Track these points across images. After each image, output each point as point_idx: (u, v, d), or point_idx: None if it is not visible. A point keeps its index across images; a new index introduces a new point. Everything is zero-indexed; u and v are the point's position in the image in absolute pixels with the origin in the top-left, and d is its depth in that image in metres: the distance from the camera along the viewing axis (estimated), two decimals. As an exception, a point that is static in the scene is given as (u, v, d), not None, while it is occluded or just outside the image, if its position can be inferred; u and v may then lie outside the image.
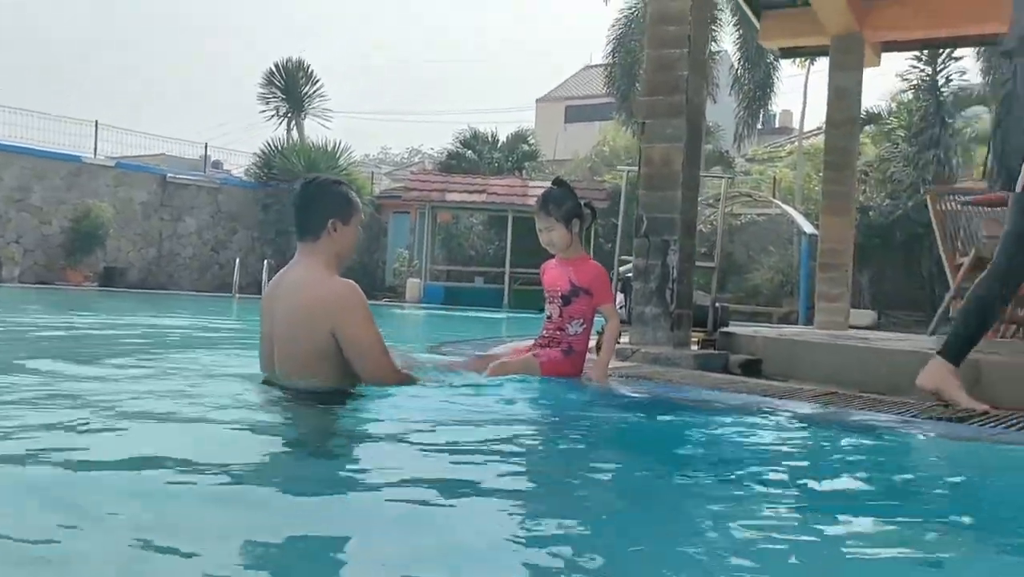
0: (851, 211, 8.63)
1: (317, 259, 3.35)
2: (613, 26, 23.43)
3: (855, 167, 8.75)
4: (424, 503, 1.85)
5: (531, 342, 4.15)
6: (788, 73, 29.18)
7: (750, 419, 3.22)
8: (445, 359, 4.15)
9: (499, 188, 22.01)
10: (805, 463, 2.66)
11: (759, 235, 21.89)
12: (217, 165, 29.97)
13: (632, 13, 22.32)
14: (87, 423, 2.52)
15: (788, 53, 10.07)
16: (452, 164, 27.04)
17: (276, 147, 23.01)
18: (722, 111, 25.70)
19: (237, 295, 19.02)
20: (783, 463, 2.58)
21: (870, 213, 18.93)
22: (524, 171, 25.79)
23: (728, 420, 3.25)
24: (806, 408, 3.42)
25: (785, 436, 2.98)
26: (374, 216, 25.31)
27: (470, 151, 27.31)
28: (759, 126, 32.80)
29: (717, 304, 6.00)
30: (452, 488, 2.00)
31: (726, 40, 23.74)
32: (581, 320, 4.00)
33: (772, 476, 2.36)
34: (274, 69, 23.80)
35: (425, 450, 2.49)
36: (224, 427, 2.65)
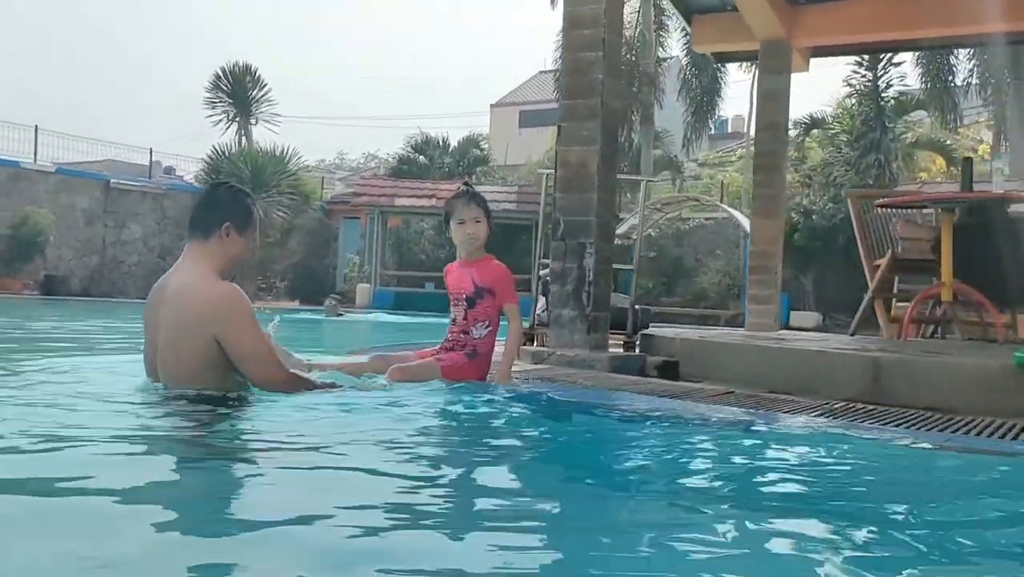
0: (780, 213, 8.75)
1: (202, 261, 3.30)
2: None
3: (784, 170, 8.87)
4: (301, 518, 1.79)
5: (437, 347, 4.13)
6: (736, 78, 29.52)
7: (641, 421, 3.24)
8: (345, 360, 4.11)
9: (448, 193, 21.89)
10: (693, 462, 2.67)
11: (707, 239, 22.10)
12: (169, 171, 29.58)
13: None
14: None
15: (722, 58, 10.19)
16: (403, 169, 26.99)
17: (223, 152, 22.77)
18: (671, 116, 25.97)
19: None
20: (666, 465, 2.59)
21: (813, 216, 19.21)
22: (474, 176, 25.78)
23: (619, 421, 3.27)
24: (700, 408, 3.44)
25: (675, 437, 3.00)
26: (324, 221, 25.15)
27: (422, 156, 27.30)
28: (711, 131, 33.26)
29: (637, 306, 6.03)
30: (322, 500, 1.94)
31: (674, 46, 23.99)
32: (486, 322, 4.00)
33: (655, 478, 2.37)
34: (220, 73, 23.57)
35: (304, 460, 2.42)
36: (92, 434, 2.58)
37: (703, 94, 23.34)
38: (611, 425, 3.18)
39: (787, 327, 17.98)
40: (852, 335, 6.90)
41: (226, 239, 3.33)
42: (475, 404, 3.48)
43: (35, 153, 20.50)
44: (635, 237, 21.53)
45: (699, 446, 2.80)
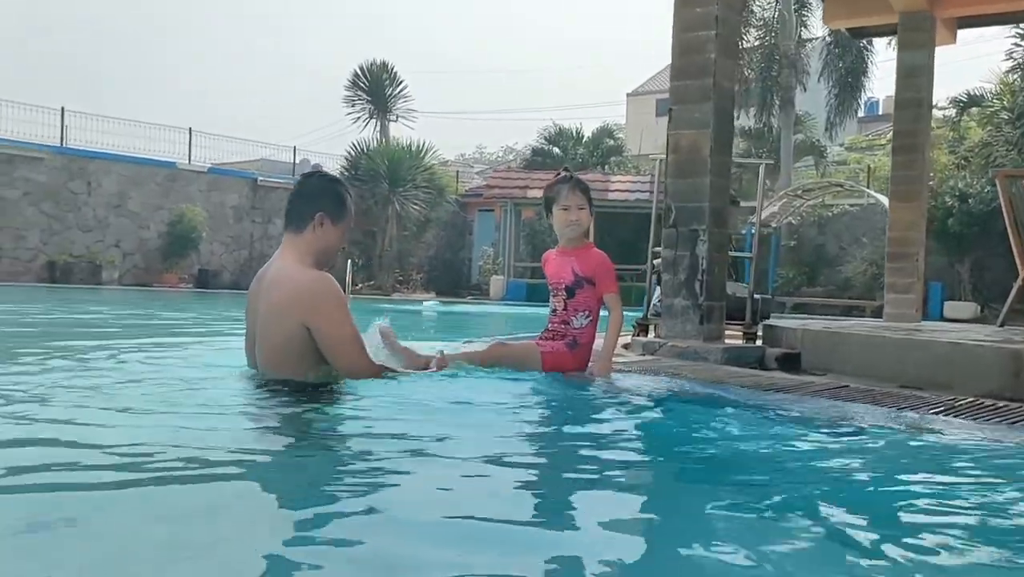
0: (922, 197, 8.20)
1: (296, 252, 3.34)
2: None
3: (926, 151, 8.30)
4: (406, 502, 1.79)
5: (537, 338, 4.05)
6: (885, 57, 27.99)
7: (742, 415, 3.05)
8: (455, 349, 4.06)
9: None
10: (795, 463, 2.49)
11: (852, 226, 21.08)
12: (317, 168, 30.71)
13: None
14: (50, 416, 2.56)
15: (858, 33, 9.64)
16: (537, 161, 27.02)
17: (362, 148, 23.40)
18: (814, 99, 24.91)
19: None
20: (768, 463, 2.42)
21: (969, 200, 17.96)
22: (607, 166, 25.54)
23: (719, 415, 3.09)
24: (806, 405, 3.22)
25: (773, 433, 2.80)
26: (459, 215, 25.50)
27: (555, 147, 27.25)
28: (859, 114, 31.71)
29: (757, 296, 5.75)
30: (416, 487, 1.92)
31: (817, 25, 22.95)
32: (587, 312, 3.89)
33: (757, 477, 2.22)
34: (359, 72, 24.22)
35: (405, 449, 2.39)
36: (199, 420, 2.63)
37: (847, 74, 22.22)
38: (705, 420, 3.00)
39: (942, 318, 17.01)
40: (1001, 326, 6.38)
41: (320, 229, 3.34)
42: (569, 396, 3.39)
43: (189, 154, 21.67)
44: (773, 225, 20.92)
45: (772, 443, 2.59)
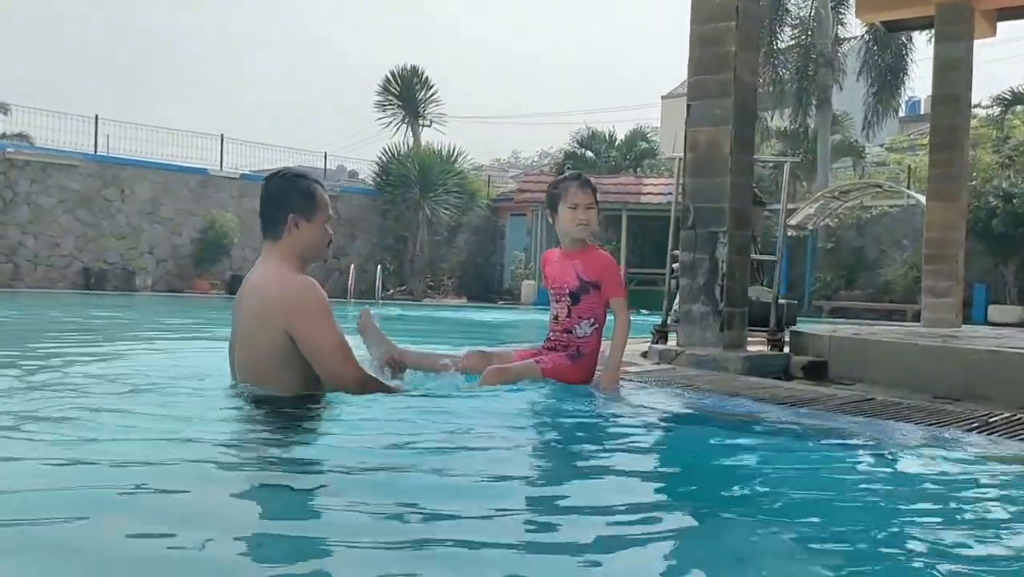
0: (961, 196, 7.84)
1: (277, 258, 3.16)
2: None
3: (965, 148, 7.94)
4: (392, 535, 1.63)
5: (539, 347, 3.82)
6: (926, 55, 27.34)
7: (749, 432, 2.80)
8: (440, 355, 3.82)
9: (611, 187, 21.54)
10: (792, 487, 2.24)
11: (891, 228, 20.56)
12: (353, 175, 30.73)
13: (750, 0, 21.33)
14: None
15: (892, 26, 9.29)
16: (569, 164, 26.74)
17: (393, 153, 23.33)
18: (851, 98, 24.39)
19: (352, 300, 19.35)
20: (762, 485, 2.18)
21: (1014, 200, 17.39)
22: (641, 169, 25.22)
23: (734, 435, 2.83)
24: (822, 420, 2.96)
25: (777, 453, 2.55)
26: (491, 219, 25.31)
27: (588, 151, 26.98)
28: (900, 113, 31.02)
29: (782, 301, 5.47)
30: (406, 523, 1.74)
31: (854, 23, 22.45)
32: (592, 320, 3.65)
33: (742, 500, 1.98)
34: (390, 77, 24.14)
35: (385, 473, 2.21)
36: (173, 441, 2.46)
37: (886, 72, 21.69)
38: (714, 438, 2.75)
39: (986, 322, 16.46)
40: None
41: (296, 232, 3.16)
42: (569, 411, 3.15)
43: (221, 160, 21.75)
44: (809, 227, 20.46)
45: (774, 464, 2.34)
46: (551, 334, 3.74)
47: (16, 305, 12.49)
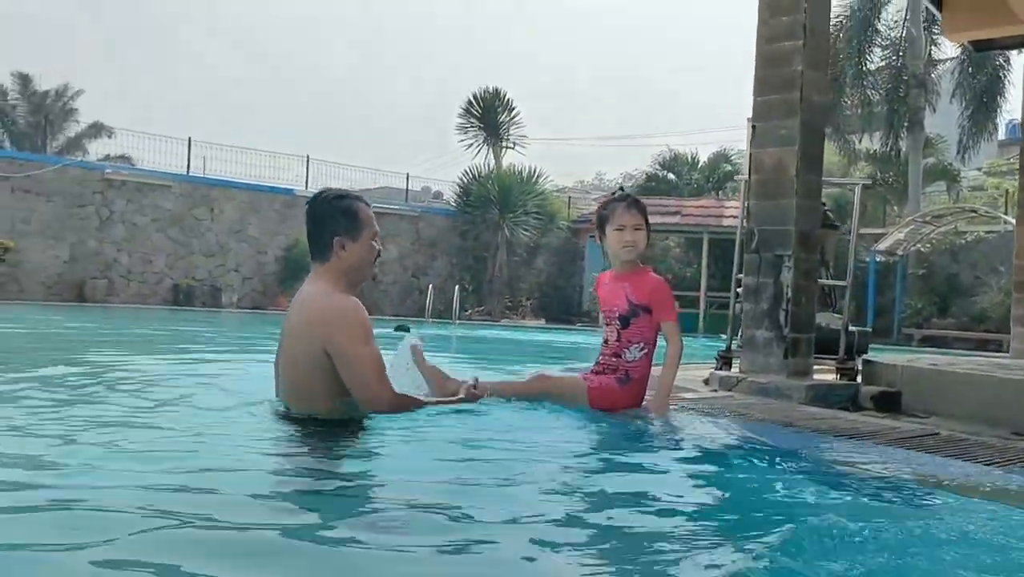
0: (1054, 221, 7.45)
1: (326, 278, 3.18)
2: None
3: (1058, 171, 7.55)
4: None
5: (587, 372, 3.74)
6: (1026, 75, 26.29)
7: (796, 467, 2.67)
8: (490, 381, 3.76)
9: (694, 209, 21.29)
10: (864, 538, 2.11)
11: (988, 254, 19.71)
12: (438, 196, 31.13)
13: (839, 21, 20.92)
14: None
15: (982, 46, 8.93)
16: (651, 187, 26.54)
17: (474, 175, 23.51)
18: (945, 121, 23.58)
19: (429, 320, 19.51)
20: (792, 522, 2.06)
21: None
22: (723, 191, 24.84)
23: (770, 467, 2.70)
24: (874, 456, 2.80)
25: (840, 497, 2.41)
26: (571, 241, 25.22)
27: (670, 173, 26.73)
28: (999, 136, 29.85)
29: (854, 328, 5.27)
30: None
31: (948, 44, 21.72)
32: (641, 344, 3.57)
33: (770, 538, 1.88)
34: (472, 99, 24.38)
35: (418, 502, 2.14)
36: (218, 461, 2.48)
37: (982, 94, 20.88)
38: (749, 471, 2.63)
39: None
40: None
41: (343, 253, 3.18)
42: (611, 439, 3.07)
43: (307, 181, 22.23)
44: (899, 252, 19.79)
45: (810, 500, 2.21)
46: (600, 358, 3.67)
47: (107, 318, 12.98)
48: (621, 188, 3.88)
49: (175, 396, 3.67)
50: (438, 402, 3.22)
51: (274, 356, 3.28)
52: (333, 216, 3.19)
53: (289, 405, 3.10)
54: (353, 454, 2.71)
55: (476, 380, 3.37)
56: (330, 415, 3.02)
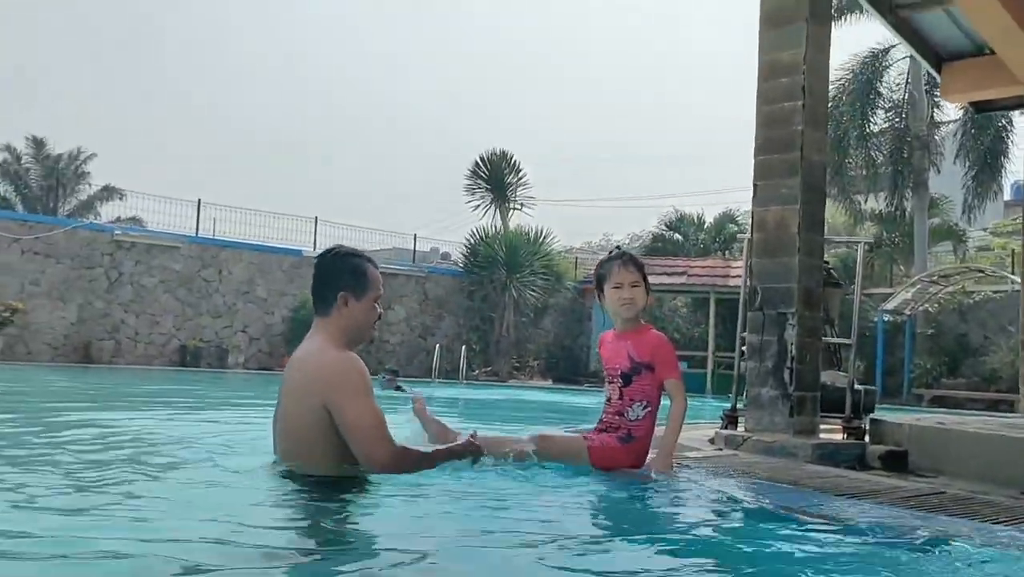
0: (1059, 280, 7.43)
1: (326, 334, 3.18)
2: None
3: (1062, 230, 7.54)
4: None
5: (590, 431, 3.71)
6: (1029, 136, 26.50)
7: (801, 528, 2.62)
8: (490, 435, 3.72)
9: (700, 269, 21.33)
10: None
11: (997, 313, 19.66)
12: (446, 256, 31.29)
13: (842, 84, 21.22)
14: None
15: (981, 107, 9.03)
16: (658, 247, 26.66)
17: (481, 235, 23.66)
18: (950, 182, 23.72)
19: (436, 380, 19.46)
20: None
21: None
22: (729, 251, 24.91)
23: (784, 531, 2.65)
24: (877, 515, 2.75)
25: (843, 557, 2.37)
26: (577, 301, 25.26)
27: (676, 233, 26.88)
28: (1005, 196, 29.99)
29: (860, 386, 5.24)
30: None
31: (950, 106, 21.97)
32: (644, 402, 3.54)
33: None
34: (479, 161, 24.67)
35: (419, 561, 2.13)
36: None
37: (986, 155, 21.05)
38: (766, 533, 2.59)
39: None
40: None
41: (345, 309, 3.18)
42: (609, 499, 3.03)
43: (315, 242, 22.38)
44: (907, 312, 19.73)
45: (810, 561, 2.17)
46: (603, 416, 3.64)
47: (110, 380, 12.98)
48: (618, 247, 3.90)
49: (169, 457, 3.65)
50: (438, 451, 3.18)
51: (272, 415, 3.26)
52: (340, 272, 3.21)
53: (288, 464, 3.07)
54: (349, 515, 2.67)
55: (475, 433, 3.35)
56: (328, 472, 2.99)
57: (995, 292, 19.77)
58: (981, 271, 19.86)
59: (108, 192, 30.70)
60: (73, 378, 12.50)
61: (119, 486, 2.86)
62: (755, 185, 4.95)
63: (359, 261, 3.28)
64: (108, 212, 29.69)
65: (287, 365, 3.28)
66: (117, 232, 19.40)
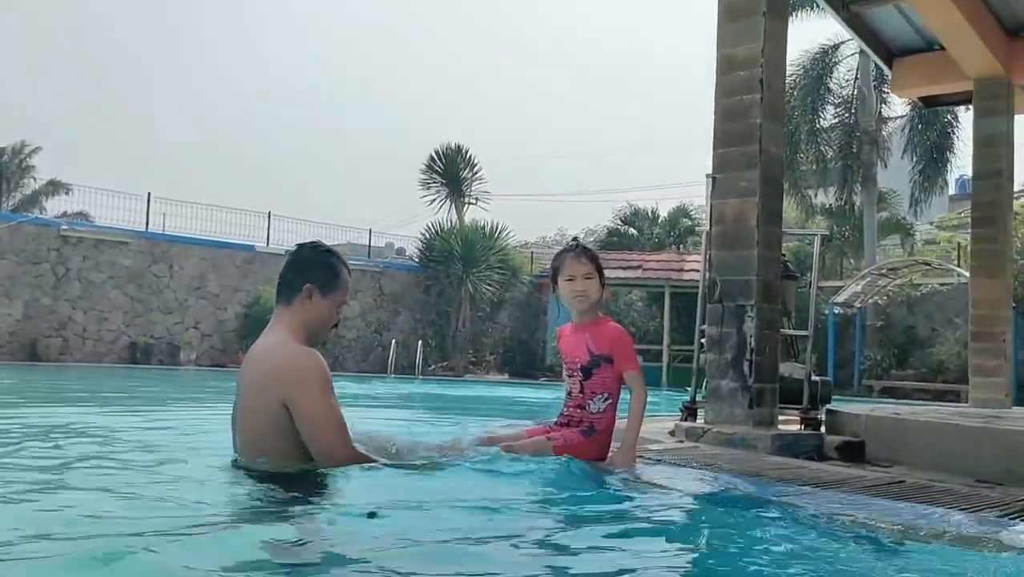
0: (1006, 272, 7.60)
1: (286, 326, 3.11)
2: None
3: (1009, 223, 7.73)
4: None
5: (551, 424, 3.69)
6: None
7: (767, 517, 2.63)
8: (436, 443, 3.68)
9: (655, 263, 21.48)
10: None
11: (943, 306, 20.08)
12: (400, 252, 31.11)
13: (793, 79, 21.48)
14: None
15: (929, 102, 9.21)
16: (613, 241, 26.82)
17: (436, 230, 23.56)
18: (898, 176, 24.18)
19: (392, 375, 19.35)
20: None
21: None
22: (684, 246, 25.13)
23: (746, 521, 2.66)
24: (836, 505, 2.77)
25: (806, 545, 2.37)
26: (533, 295, 25.29)
27: (631, 228, 27.04)
28: (950, 191, 30.63)
29: (816, 378, 5.29)
30: None
31: (898, 102, 22.36)
32: (605, 395, 3.53)
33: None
34: (435, 155, 24.54)
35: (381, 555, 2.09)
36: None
37: (932, 150, 21.47)
38: (729, 524, 2.59)
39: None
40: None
41: (308, 303, 3.12)
42: (573, 489, 3.01)
43: (268, 237, 22.12)
44: (857, 305, 20.06)
45: (782, 549, 2.18)
46: (564, 410, 3.62)
47: (60, 378, 12.68)
48: (575, 239, 3.88)
49: (125, 455, 3.56)
50: (396, 466, 3.13)
51: (231, 410, 3.19)
52: (315, 265, 3.16)
53: (247, 461, 3.00)
54: (309, 511, 2.61)
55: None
56: (288, 469, 2.93)
57: (942, 284, 20.18)
58: (928, 264, 20.26)
59: (54, 186, 30.02)
60: (19, 377, 12.19)
61: (68, 487, 2.77)
62: (714, 178, 4.96)
63: (335, 261, 3.24)
64: (54, 207, 29.01)
65: (245, 359, 3.21)
66: (64, 227, 18.95)
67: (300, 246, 3.30)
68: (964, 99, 8.34)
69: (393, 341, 20.63)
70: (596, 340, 3.52)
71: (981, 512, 2.61)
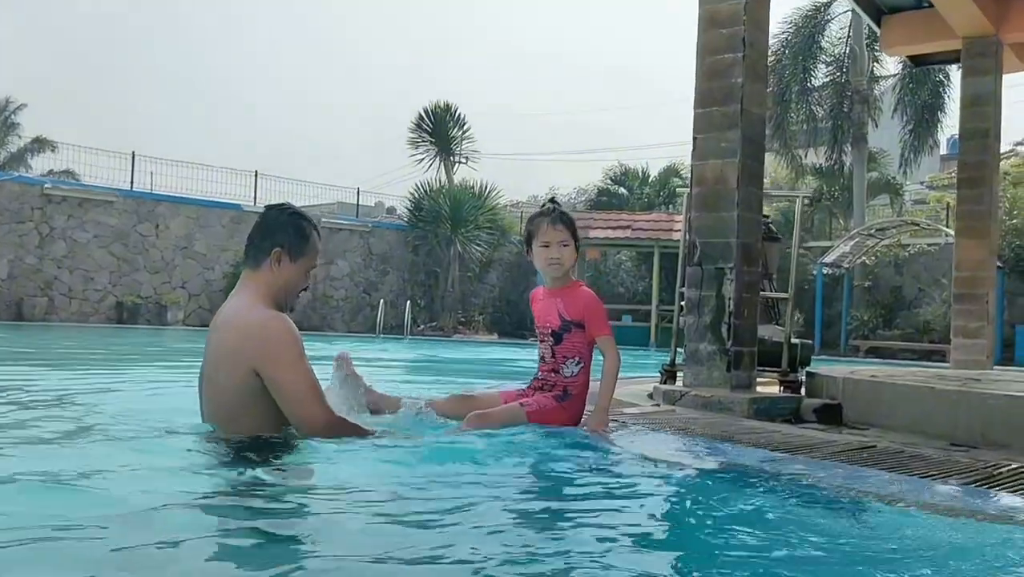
0: (991, 233, 7.57)
1: (253, 290, 3.04)
2: (764, 52, 22.46)
3: (995, 184, 7.68)
4: None
5: (524, 388, 3.67)
6: (966, 91, 26.84)
7: (734, 481, 2.62)
8: (416, 399, 3.65)
9: (644, 223, 21.39)
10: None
11: (931, 266, 20.11)
12: (391, 211, 30.92)
13: (784, 38, 21.27)
14: None
15: (918, 60, 9.10)
16: (603, 201, 26.72)
17: (425, 189, 23.41)
18: (888, 136, 24.07)
19: (380, 335, 19.34)
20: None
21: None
22: (673, 205, 25.04)
23: (714, 487, 2.65)
24: (806, 471, 2.75)
25: (771, 511, 2.36)
26: (523, 256, 25.20)
27: (621, 187, 26.92)
28: (941, 151, 30.53)
29: (797, 340, 5.27)
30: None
31: (890, 61, 22.19)
32: (578, 359, 3.50)
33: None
34: (423, 114, 24.31)
35: (356, 526, 2.08)
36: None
37: (923, 110, 21.34)
38: (697, 489, 2.57)
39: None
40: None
41: (276, 267, 3.04)
42: (547, 455, 2.99)
43: (255, 196, 21.93)
44: (845, 265, 20.07)
45: (748, 518, 2.16)
46: (538, 374, 3.59)
47: (44, 338, 12.61)
48: (552, 200, 3.79)
49: (95, 419, 3.52)
50: (374, 431, 3.09)
51: (197, 377, 3.13)
52: (284, 227, 3.07)
53: (215, 427, 2.96)
54: (282, 480, 2.58)
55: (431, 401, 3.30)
56: (260, 433, 2.89)
57: (930, 245, 20.18)
58: (916, 224, 20.25)
59: (39, 144, 29.71)
60: (3, 336, 12.12)
61: (36, 447, 2.74)
62: (695, 139, 4.89)
63: (305, 224, 3.14)
64: (40, 165, 28.75)
65: (212, 324, 3.14)
66: (47, 185, 18.76)
67: (268, 207, 3.21)
68: (953, 58, 8.25)
69: (382, 301, 20.58)
70: (568, 306, 3.48)
71: (953, 480, 2.60)
